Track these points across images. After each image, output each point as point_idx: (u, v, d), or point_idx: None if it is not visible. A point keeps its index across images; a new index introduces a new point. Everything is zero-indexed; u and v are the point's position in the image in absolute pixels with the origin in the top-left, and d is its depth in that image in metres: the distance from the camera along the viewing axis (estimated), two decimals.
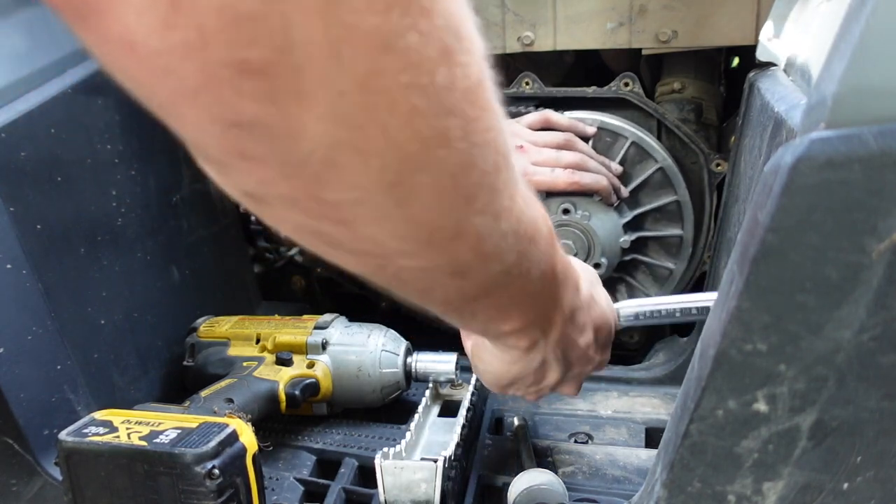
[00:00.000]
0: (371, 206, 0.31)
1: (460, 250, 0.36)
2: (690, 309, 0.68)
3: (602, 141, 0.96)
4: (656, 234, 0.96)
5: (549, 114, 0.94)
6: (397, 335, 0.87)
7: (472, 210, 0.35)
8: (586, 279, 0.60)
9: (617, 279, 1.00)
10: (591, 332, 0.60)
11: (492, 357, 0.59)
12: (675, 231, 0.95)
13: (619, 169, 0.95)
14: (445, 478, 0.66)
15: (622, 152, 0.94)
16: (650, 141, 0.94)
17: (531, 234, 0.42)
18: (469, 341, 0.63)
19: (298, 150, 0.28)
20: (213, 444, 0.56)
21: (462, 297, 0.42)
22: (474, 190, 0.34)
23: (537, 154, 0.91)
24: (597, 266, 0.93)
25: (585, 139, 0.95)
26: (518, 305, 0.48)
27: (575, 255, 0.93)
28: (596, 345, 0.62)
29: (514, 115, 0.96)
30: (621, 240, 0.94)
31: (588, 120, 0.95)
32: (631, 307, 0.69)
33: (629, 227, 0.95)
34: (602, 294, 0.65)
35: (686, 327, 0.99)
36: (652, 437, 0.82)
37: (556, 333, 0.55)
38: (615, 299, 1.00)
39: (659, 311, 0.69)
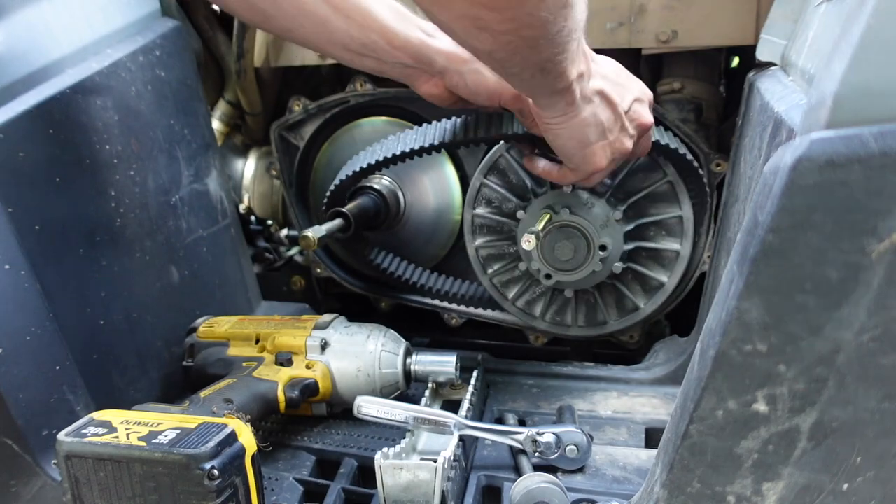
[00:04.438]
0: None
1: None
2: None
3: None
4: (654, 245, 0.94)
5: None
6: (397, 335, 0.87)
7: None
8: None
9: (609, 286, 0.98)
10: (610, 63, 0.75)
11: (564, 127, 0.71)
12: (674, 246, 0.93)
13: None
14: (445, 478, 0.66)
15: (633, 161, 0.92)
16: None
17: None
18: (549, 137, 0.74)
19: None
20: (211, 444, 0.55)
21: (555, 50, 0.56)
22: None
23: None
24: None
25: None
26: (574, 60, 0.62)
27: (574, 254, 0.91)
28: (621, 74, 0.76)
29: None
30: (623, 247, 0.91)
31: None
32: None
33: (629, 237, 0.93)
34: None
35: (686, 327, 0.99)
36: (652, 437, 0.82)
37: (594, 70, 0.70)
38: (605, 310, 1.00)
39: None
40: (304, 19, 0.73)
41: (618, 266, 0.91)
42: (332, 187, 0.99)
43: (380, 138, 0.98)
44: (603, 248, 0.90)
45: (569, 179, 0.81)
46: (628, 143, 0.77)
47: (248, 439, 0.59)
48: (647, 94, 0.80)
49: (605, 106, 0.72)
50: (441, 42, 0.76)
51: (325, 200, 1.01)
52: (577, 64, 0.65)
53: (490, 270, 1.00)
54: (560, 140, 0.74)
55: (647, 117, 0.79)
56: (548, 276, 0.93)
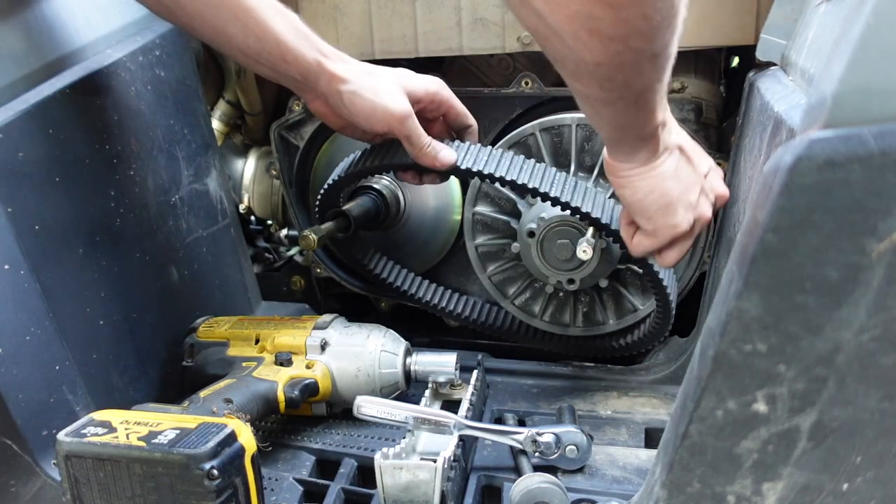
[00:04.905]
0: None
1: (667, 31, 0.52)
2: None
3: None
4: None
5: None
6: (397, 335, 0.87)
7: None
8: None
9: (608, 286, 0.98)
10: (684, 135, 0.72)
11: (643, 178, 0.67)
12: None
13: None
14: (445, 478, 0.66)
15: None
16: None
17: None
18: (630, 192, 0.69)
19: None
20: (211, 444, 0.55)
21: (655, 76, 0.56)
22: None
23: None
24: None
25: None
26: (662, 100, 0.61)
27: (574, 253, 0.91)
28: (693, 141, 0.73)
29: None
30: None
31: None
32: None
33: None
34: None
35: (685, 327, 0.99)
36: (651, 437, 0.82)
37: (672, 126, 0.68)
38: (604, 307, 1.00)
39: None
40: (201, 22, 0.73)
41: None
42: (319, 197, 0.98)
43: None
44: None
45: (644, 246, 0.73)
46: (708, 212, 0.73)
47: (247, 439, 0.59)
48: (718, 168, 0.77)
49: (686, 162, 0.69)
50: (332, 64, 0.75)
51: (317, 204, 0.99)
52: (664, 107, 0.63)
53: (490, 269, 1.00)
54: (638, 195, 0.68)
55: (724, 189, 0.75)
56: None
